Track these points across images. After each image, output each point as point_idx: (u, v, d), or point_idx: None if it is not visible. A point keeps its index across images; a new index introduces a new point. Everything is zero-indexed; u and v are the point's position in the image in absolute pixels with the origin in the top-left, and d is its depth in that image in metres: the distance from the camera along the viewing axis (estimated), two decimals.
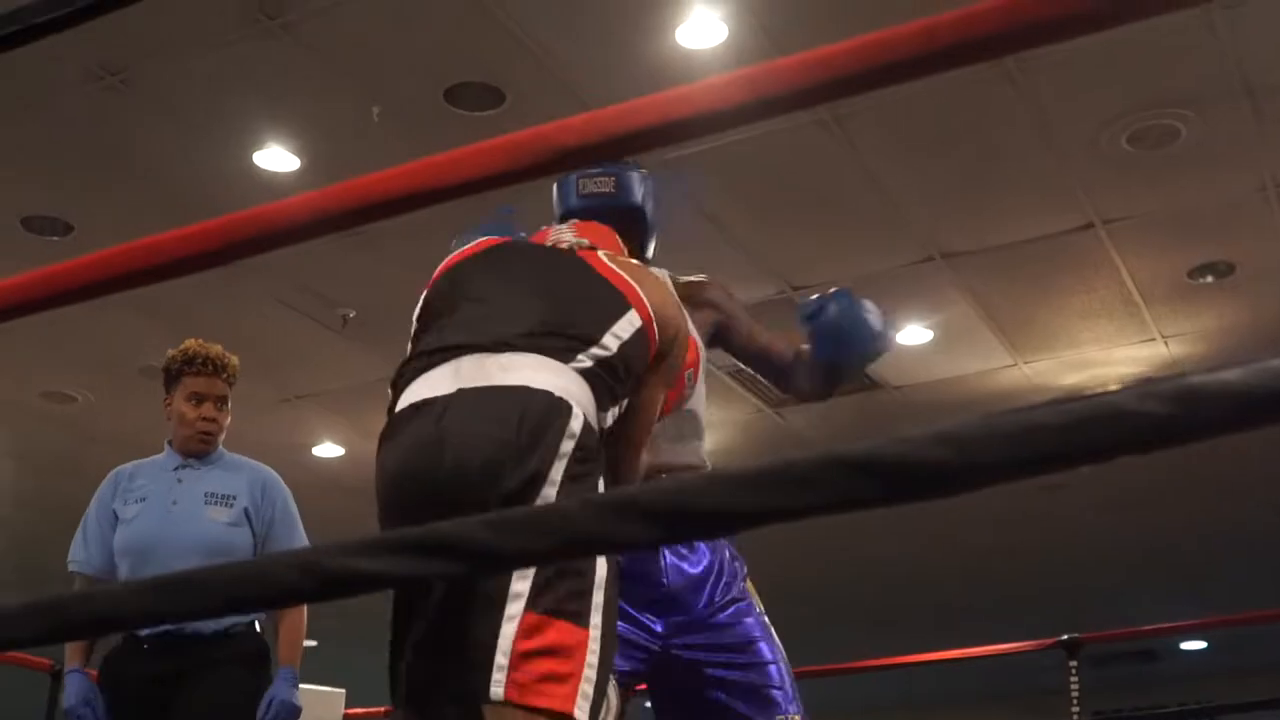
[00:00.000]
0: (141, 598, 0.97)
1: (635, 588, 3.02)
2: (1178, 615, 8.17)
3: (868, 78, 0.89)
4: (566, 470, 2.29)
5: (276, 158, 5.91)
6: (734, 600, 3.13)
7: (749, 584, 3.23)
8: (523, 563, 1.52)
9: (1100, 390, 0.76)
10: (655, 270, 3.16)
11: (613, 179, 3.23)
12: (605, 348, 2.48)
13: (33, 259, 6.24)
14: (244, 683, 4.01)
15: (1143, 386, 0.75)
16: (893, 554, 10.69)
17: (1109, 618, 8.98)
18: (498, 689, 2.19)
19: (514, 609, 2.21)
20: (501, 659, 2.20)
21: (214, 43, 5.15)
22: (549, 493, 2.26)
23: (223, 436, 4.27)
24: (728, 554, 3.19)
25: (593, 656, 2.25)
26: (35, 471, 9.36)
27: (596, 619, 2.27)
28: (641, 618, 3.05)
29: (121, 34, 4.98)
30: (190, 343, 4.23)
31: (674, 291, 2.93)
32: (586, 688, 2.23)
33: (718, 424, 8.92)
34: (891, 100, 5.27)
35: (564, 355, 2.42)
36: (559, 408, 2.33)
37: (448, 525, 0.87)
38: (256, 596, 0.94)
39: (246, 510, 4.12)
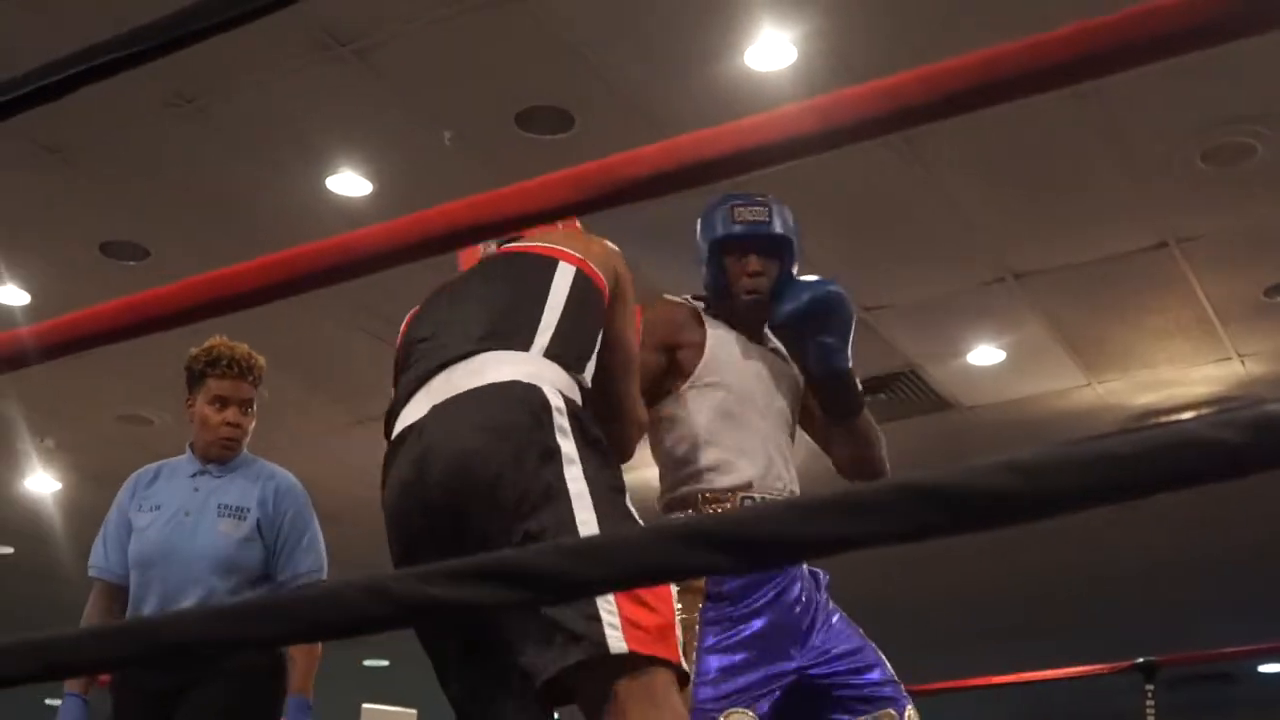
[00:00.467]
0: (212, 624, 0.98)
1: (773, 626, 3.07)
2: (1256, 637, 8.06)
3: (939, 106, 0.88)
4: (578, 442, 2.26)
5: (349, 183, 5.96)
6: (830, 610, 3.20)
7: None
8: (591, 591, 1.52)
9: (1175, 413, 0.75)
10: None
11: (766, 208, 3.37)
12: (554, 311, 2.51)
13: (111, 284, 6.35)
14: (252, 692, 3.84)
15: (1218, 414, 0.74)
16: (959, 575, 10.61)
17: (1180, 639, 8.86)
18: (617, 640, 2.09)
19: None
20: (607, 607, 2.11)
21: (286, 69, 5.20)
22: (573, 471, 2.21)
23: (246, 441, 4.12)
24: (805, 568, 3.22)
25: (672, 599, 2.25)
26: (112, 494, 9.45)
27: None
28: (779, 653, 3.06)
29: (195, 62, 5.04)
30: (215, 340, 4.06)
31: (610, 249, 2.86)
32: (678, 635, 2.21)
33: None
34: (962, 120, 5.22)
35: (521, 342, 2.43)
36: (532, 391, 2.30)
37: (517, 553, 0.88)
38: (330, 622, 0.95)
39: (259, 523, 3.94)
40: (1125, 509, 8.93)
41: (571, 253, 2.64)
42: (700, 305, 3.46)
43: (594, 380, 2.55)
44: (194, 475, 4.05)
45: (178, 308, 1.22)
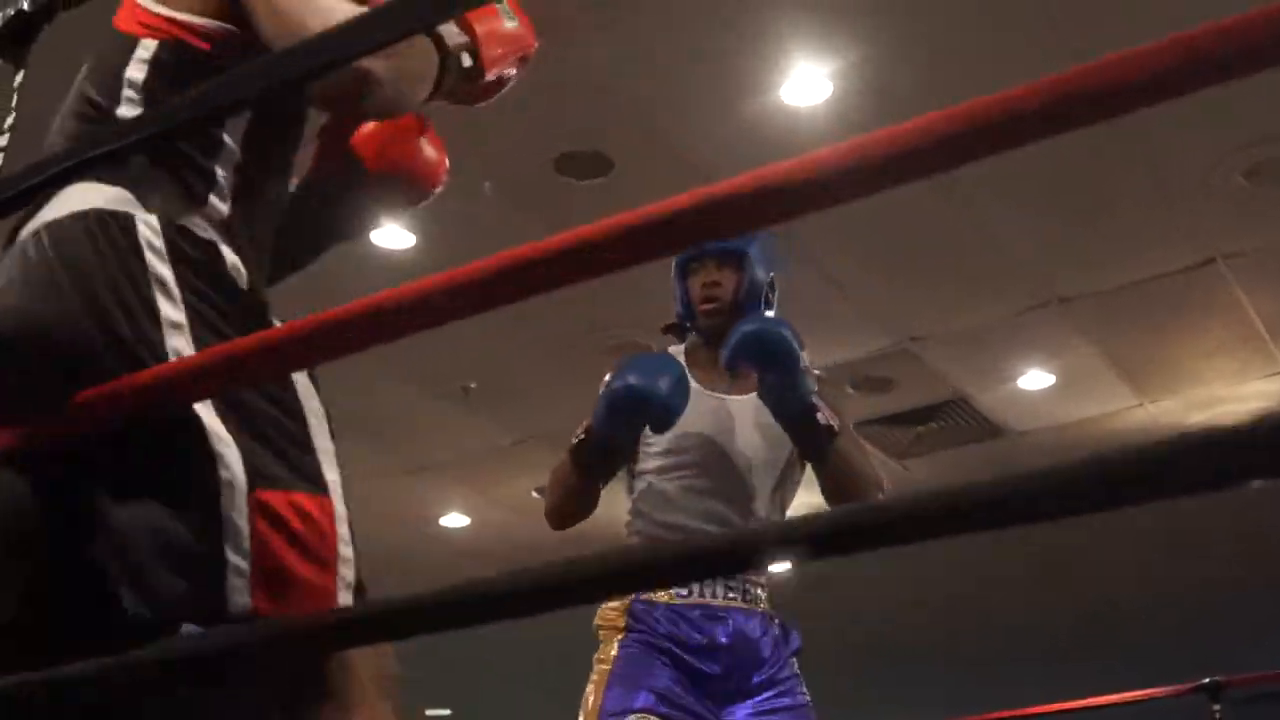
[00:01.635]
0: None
1: (692, 651, 3.05)
2: None
3: (982, 143, 0.89)
4: (184, 298, 1.60)
5: (393, 235, 6.00)
6: (785, 679, 3.12)
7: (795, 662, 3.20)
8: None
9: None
10: None
11: None
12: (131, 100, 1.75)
13: None
14: None
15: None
16: (1009, 601, 10.54)
17: (1243, 659, 8.76)
18: (240, 597, 1.51)
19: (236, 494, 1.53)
20: (240, 560, 1.52)
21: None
22: (176, 342, 1.56)
23: None
24: (777, 629, 3.18)
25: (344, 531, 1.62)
26: None
27: (333, 474, 1.65)
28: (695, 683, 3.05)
29: None
30: None
31: None
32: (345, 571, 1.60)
33: None
34: None
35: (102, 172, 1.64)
36: (105, 224, 1.61)
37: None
38: None
39: None
40: (1181, 525, 8.87)
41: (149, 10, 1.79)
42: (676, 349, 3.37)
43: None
44: None
45: (235, 369, 1.24)
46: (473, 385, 7.21)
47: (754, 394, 3.15)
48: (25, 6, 1.64)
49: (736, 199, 0.90)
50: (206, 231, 1.69)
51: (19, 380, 1.55)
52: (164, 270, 1.58)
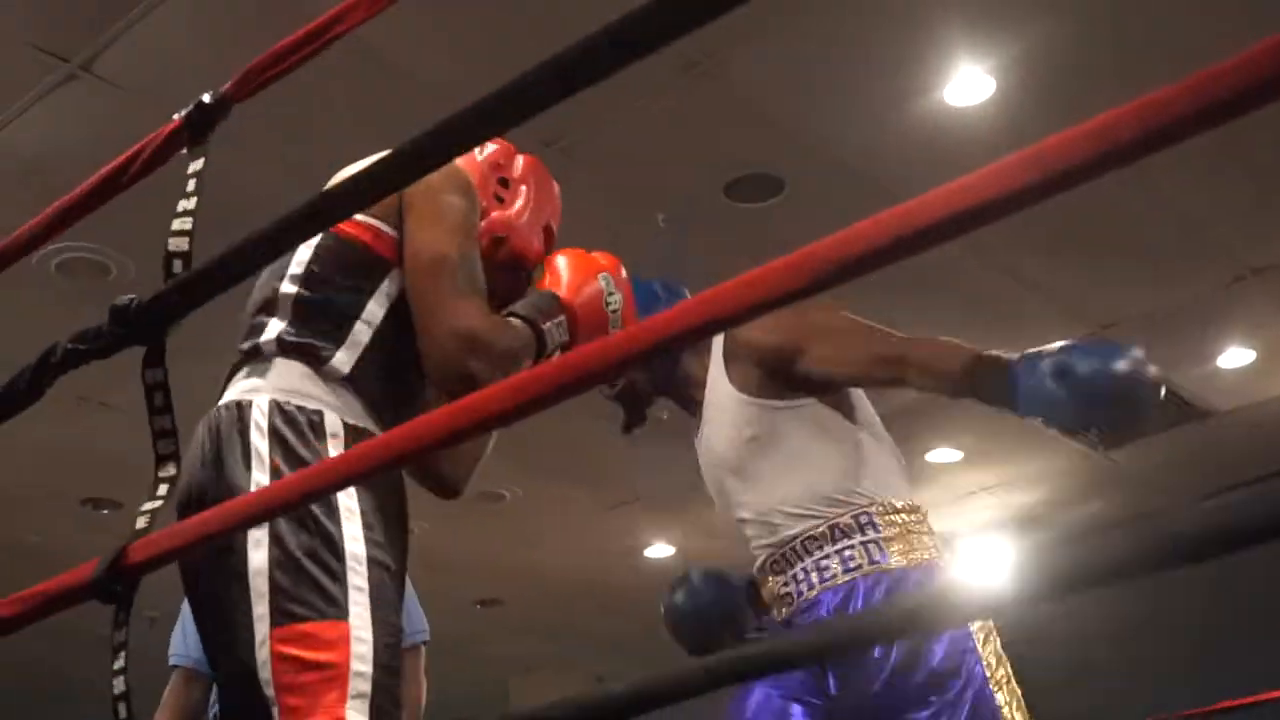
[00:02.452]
0: None
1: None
2: None
3: (1157, 138, 0.87)
4: (270, 462, 2.01)
5: None
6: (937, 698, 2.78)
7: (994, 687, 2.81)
8: None
9: None
10: None
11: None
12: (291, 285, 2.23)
13: None
14: None
15: None
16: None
17: None
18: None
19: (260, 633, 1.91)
20: (269, 690, 1.87)
21: None
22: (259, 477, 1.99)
23: None
24: (942, 646, 2.81)
25: (362, 647, 1.90)
26: None
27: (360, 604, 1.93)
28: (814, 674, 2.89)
29: None
30: None
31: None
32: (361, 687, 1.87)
33: (1041, 476, 8.73)
34: None
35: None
36: (232, 410, 2.12)
37: None
38: None
39: None
40: None
41: (371, 223, 2.22)
42: None
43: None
44: None
45: (438, 433, 1.26)
46: (664, 415, 7.23)
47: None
48: (205, 99, 1.71)
49: (927, 222, 0.90)
50: (312, 402, 2.09)
51: None
52: (260, 442, 2.03)
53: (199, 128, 1.75)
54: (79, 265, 5.84)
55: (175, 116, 1.76)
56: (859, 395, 3.10)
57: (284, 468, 1.98)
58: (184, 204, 1.70)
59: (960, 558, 9.61)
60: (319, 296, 2.18)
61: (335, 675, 1.85)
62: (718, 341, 3.14)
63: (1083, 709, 8.25)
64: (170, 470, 1.61)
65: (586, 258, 2.47)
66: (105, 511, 8.38)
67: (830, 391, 3.04)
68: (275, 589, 1.90)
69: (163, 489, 1.59)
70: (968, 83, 5.07)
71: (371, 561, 1.97)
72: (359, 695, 1.85)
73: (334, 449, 2.02)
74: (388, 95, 4.82)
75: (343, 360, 2.13)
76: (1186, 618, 8.98)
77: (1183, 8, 4.71)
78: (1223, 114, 0.86)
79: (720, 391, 3.14)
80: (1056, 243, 6.10)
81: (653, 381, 3.33)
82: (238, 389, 2.16)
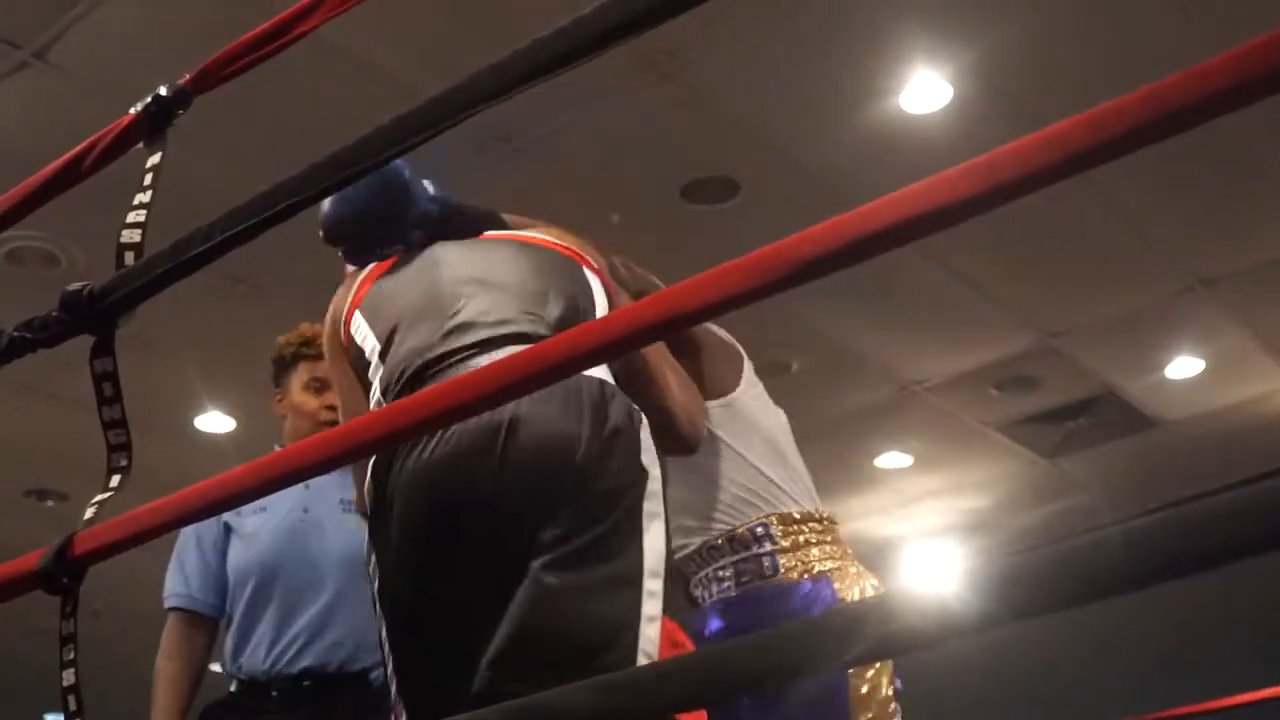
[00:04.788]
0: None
1: None
2: None
3: (1109, 148, 0.88)
4: (658, 471, 2.20)
5: None
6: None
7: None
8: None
9: None
10: None
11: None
12: (602, 312, 2.40)
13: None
14: None
15: None
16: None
17: None
18: None
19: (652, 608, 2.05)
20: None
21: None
22: (652, 504, 2.16)
23: None
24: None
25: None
26: None
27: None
28: None
29: None
30: (305, 327, 3.61)
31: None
32: None
33: (989, 482, 8.77)
34: None
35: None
36: (619, 398, 2.22)
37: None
38: None
39: None
40: None
41: (586, 257, 2.52)
42: None
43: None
44: None
45: (383, 431, 1.26)
46: None
47: None
48: (163, 93, 1.70)
49: (881, 226, 0.91)
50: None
51: None
52: (639, 433, 2.19)
53: (157, 122, 1.74)
54: (28, 254, 5.79)
55: (133, 110, 1.75)
56: (763, 402, 3.11)
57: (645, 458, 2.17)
58: (139, 197, 1.69)
59: (905, 563, 9.67)
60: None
61: None
62: None
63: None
64: (123, 460, 1.60)
65: None
66: (50, 503, 8.31)
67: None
68: None
69: (115, 479, 1.59)
70: (925, 89, 5.09)
71: None
72: None
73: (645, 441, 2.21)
74: (346, 89, 4.80)
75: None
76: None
77: (1141, 20, 4.75)
78: (1175, 125, 0.87)
79: None
80: (1009, 249, 6.13)
81: None
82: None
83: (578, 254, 2.50)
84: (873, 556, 10.22)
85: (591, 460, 2.08)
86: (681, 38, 4.65)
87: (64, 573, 1.46)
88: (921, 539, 9.60)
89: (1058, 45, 4.90)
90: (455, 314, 2.31)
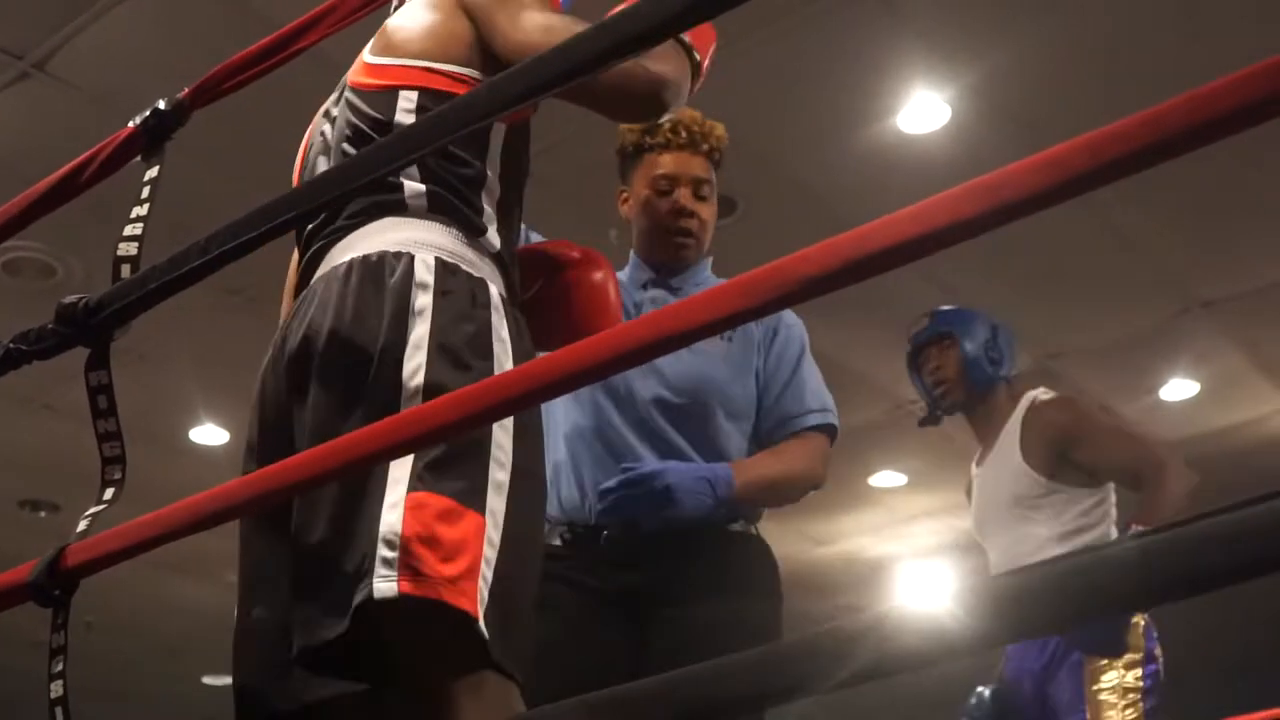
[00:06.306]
0: None
1: None
2: None
3: (1108, 171, 0.89)
4: (433, 327, 1.74)
5: None
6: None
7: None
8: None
9: None
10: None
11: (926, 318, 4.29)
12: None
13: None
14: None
15: None
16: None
17: None
18: (387, 584, 1.59)
19: (395, 495, 1.64)
20: (387, 551, 1.60)
21: None
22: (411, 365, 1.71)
23: (708, 239, 3.01)
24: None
25: (490, 550, 1.67)
26: None
27: (497, 503, 1.69)
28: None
29: None
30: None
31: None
32: (484, 587, 1.63)
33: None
34: None
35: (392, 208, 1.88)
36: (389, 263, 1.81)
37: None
38: None
39: (750, 341, 2.92)
40: None
41: (403, 66, 1.96)
42: None
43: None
44: (645, 285, 3.07)
45: (378, 446, 1.26)
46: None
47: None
48: (161, 106, 1.70)
49: (877, 247, 0.91)
50: (479, 270, 1.84)
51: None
52: (425, 300, 1.74)
53: (155, 135, 1.75)
54: (25, 265, 5.79)
55: (131, 123, 1.75)
56: (1109, 494, 3.77)
57: (449, 333, 1.74)
58: (136, 210, 1.70)
59: (900, 583, 9.68)
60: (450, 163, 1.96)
61: None
62: (1026, 399, 3.92)
63: None
64: (116, 473, 1.60)
65: None
66: (43, 514, 8.30)
67: (1094, 482, 3.73)
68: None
69: (109, 492, 1.58)
70: (923, 110, 5.10)
71: None
72: None
73: (496, 321, 1.79)
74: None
75: (493, 236, 1.93)
76: None
77: (1140, 42, 4.76)
78: (1173, 148, 0.87)
79: (1009, 443, 3.85)
80: (1005, 270, 6.14)
81: (968, 397, 4.02)
82: (366, 244, 1.84)
83: (388, 75, 2.01)
84: (867, 576, 10.24)
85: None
86: None
87: (55, 585, 1.46)
88: (916, 558, 9.60)
89: (1056, 67, 4.91)
90: None
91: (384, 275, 1.77)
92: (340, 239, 1.87)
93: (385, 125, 1.89)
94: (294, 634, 1.71)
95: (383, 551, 1.60)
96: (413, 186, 1.87)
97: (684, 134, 3.03)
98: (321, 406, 1.72)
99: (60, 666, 1.50)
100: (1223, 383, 7.40)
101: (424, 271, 1.77)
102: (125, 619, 9.00)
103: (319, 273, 1.86)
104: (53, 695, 1.51)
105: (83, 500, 1.62)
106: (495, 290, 1.82)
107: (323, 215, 1.88)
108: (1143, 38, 4.75)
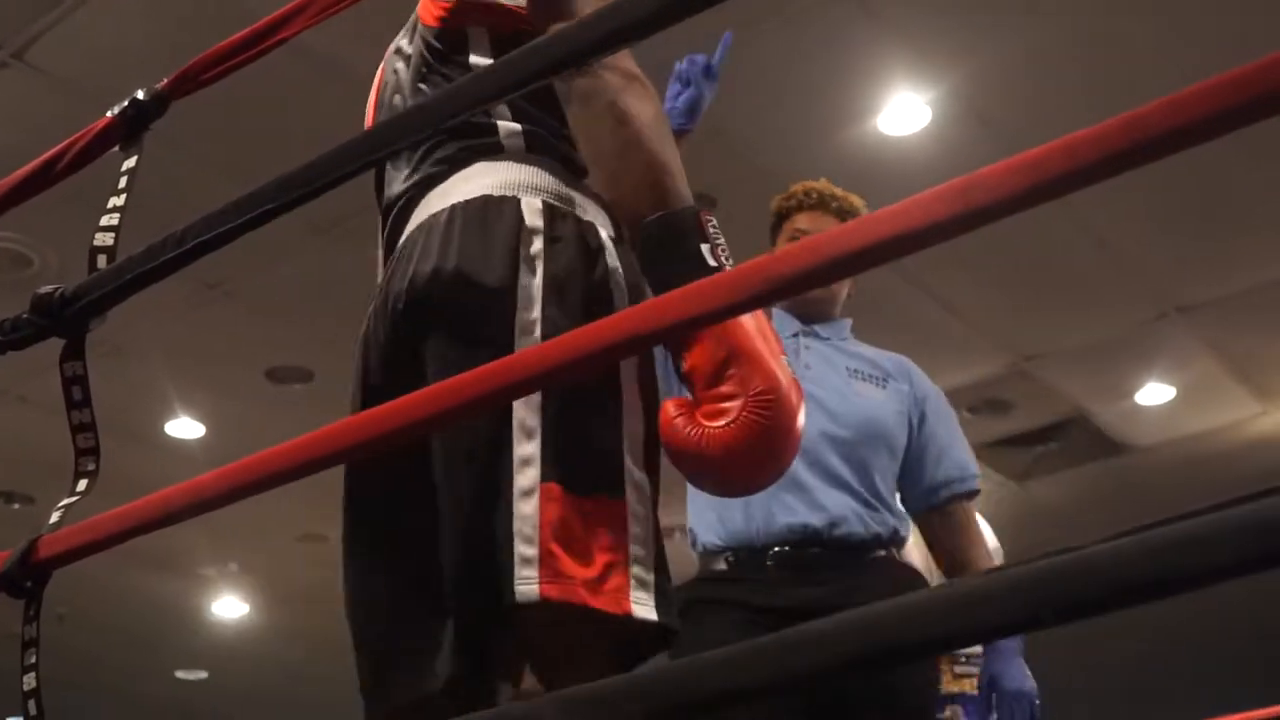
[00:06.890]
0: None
1: None
2: None
3: (1083, 174, 0.89)
4: (545, 275, 1.63)
5: None
6: None
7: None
8: None
9: None
10: None
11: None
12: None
13: (279, 408, 6.52)
14: None
15: None
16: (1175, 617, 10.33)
17: None
18: (528, 586, 1.47)
19: (527, 479, 1.54)
20: (526, 548, 1.49)
21: None
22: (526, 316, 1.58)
23: (841, 300, 3.41)
24: None
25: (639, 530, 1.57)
26: (297, 612, 9.66)
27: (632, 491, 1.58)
28: None
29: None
30: (796, 186, 3.55)
31: None
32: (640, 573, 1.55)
33: None
34: None
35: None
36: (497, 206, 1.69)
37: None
38: None
39: (903, 394, 3.26)
40: None
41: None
42: None
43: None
44: (796, 335, 3.30)
45: (354, 440, 1.25)
46: None
47: None
48: (140, 96, 1.69)
49: (856, 246, 0.91)
50: (586, 212, 1.71)
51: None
52: (537, 246, 1.63)
53: (133, 125, 1.74)
54: (0, 255, 5.77)
55: (109, 113, 1.74)
56: None
57: (564, 281, 1.63)
58: (114, 200, 1.69)
59: None
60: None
61: None
62: None
63: None
64: (90, 465, 1.59)
65: None
66: (16, 506, 8.27)
67: None
68: None
69: (82, 484, 1.57)
70: (903, 111, 5.11)
71: None
72: None
73: (611, 265, 1.68)
74: (325, 95, 4.78)
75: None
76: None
77: (1121, 46, 4.77)
78: (1152, 152, 0.87)
79: None
80: (984, 272, 6.15)
81: None
82: (466, 188, 1.72)
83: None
84: None
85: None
86: (657, 52, 4.65)
87: (28, 577, 1.45)
88: None
89: (1037, 70, 4.92)
90: None
91: (490, 221, 1.66)
92: (435, 186, 1.76)
93: (460, 64, 1.80)
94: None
95: (521, 549, 1.50)
96: (507, 126, 1.76)
97: (815, 195, 3.47)
98: (438, 358, 1.61)
99: (33, 659, 1.49)
100: (1199, 387, 7.42)
101: (533, 216, 1.66)
102: (98, 612, 8.98)
103: (416, 221, 1.75)
104: (25, 688, 1.50)
105: (57, 492, 1.61)
106: (605, 234, 1.70)
107: (403, 158, 1.80)
108: (1123, 41, 4.77)
